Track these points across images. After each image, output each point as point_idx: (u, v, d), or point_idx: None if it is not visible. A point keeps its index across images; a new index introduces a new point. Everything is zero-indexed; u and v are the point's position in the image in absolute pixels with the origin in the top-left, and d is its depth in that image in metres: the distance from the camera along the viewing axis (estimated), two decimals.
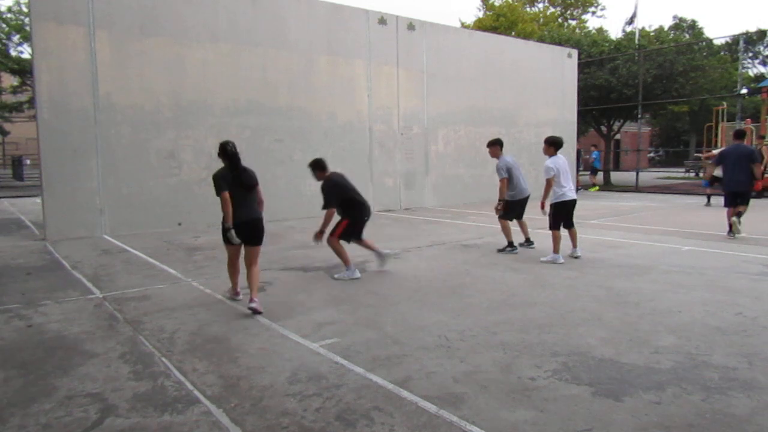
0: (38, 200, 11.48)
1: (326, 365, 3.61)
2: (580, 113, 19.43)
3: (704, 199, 14.22)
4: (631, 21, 34.20)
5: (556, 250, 6.86)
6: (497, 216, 7.76)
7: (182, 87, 10.46)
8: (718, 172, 13.45)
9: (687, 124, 40.89)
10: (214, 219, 10.48)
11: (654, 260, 6.83)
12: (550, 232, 7.03)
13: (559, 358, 3.65)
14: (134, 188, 9.98)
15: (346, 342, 4.04)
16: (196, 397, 3.17)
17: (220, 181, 4.76)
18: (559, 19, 36.89)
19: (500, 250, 7.60)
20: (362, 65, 12.96)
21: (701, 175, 25.16)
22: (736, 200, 8.66)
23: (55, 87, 9.17)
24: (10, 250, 8.19)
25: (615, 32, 51.77)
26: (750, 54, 41.33)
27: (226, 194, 4.74)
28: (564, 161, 7.08)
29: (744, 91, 19.30)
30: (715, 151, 14.40)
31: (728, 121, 20.67)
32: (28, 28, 17.71)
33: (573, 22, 37.56)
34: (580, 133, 22.60)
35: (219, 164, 4.95)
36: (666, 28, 34.15)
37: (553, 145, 7.08)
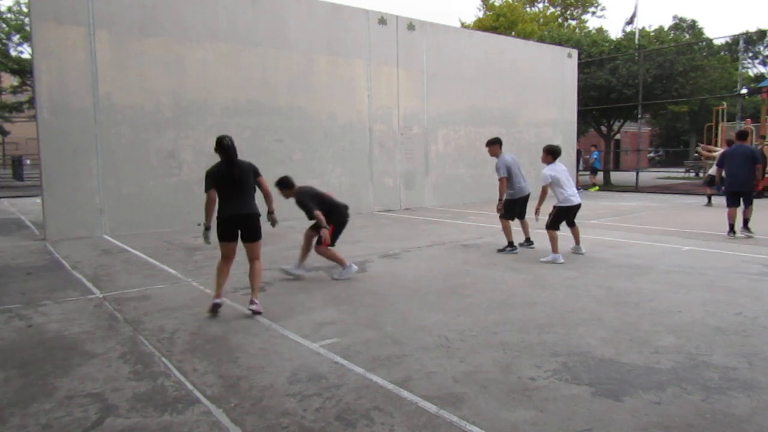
0: (38, 200, 11.48)
1: (326, 365, 3.61)
2: (580, 113, 19.43)
3: (704, 199, 14.21)
4: (631, 21, 34.19)
5: (555, 250, 6.87)
6: (499, 215, 7.75)
7: (182, 87, 10.46)
8: (712, 170, 13.50)
9: (687, 124, 40.89)
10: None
11: (654, 260, 6.83)
12: (547, 231, 7.02)
13: (559, 358, 3.65)
14: (134, 188, 9.98)
15: (346, 342, 4.04)
16: (196, 397, 3.17)
17: (207, 179, 4.72)
18: (559, 19, 36.89)
19: (500, 250, 7.60)
20: (362, 65, 12.96)
21: (701, 175, 25.18)
22: (739, 200, 8.68)
23: (55, 87, 9.17)
24: (10, 250, 8.19)
25: (615, 32, 51.77)
26: (750, 54, 41.33)
27: (211, 193, 4.67)
28: (563, 168, 7.16)
29: (744, 91, 19.30)
30: (714, 149, 14.40)
31: (728, 121, 20.67)
32: (28, 28, 17.71)
33: (573, 22, 37.58)
34: (580, 133, 22.60)
35: None
36: (666, 28, 34.14)
37: (550, 153, 7.16)
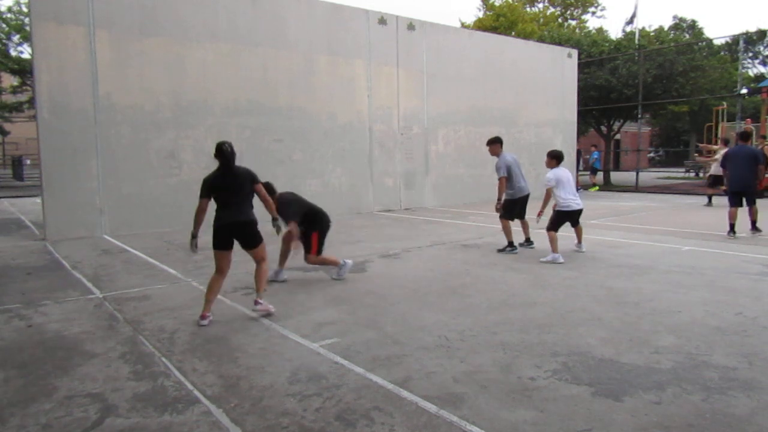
0: (38, 200, 11.49)
1: (326, 365, 3.61)
2: (580, 113, 19.43)
3: (704, 199, 14.21)
4: (631, 21, 34.20)
5: (554, 250, 6.92)
6: (499, 215, 7.75)
7: (182, 87, 10.46)
8: (715, 170, 13.50)
9: (687, 124, 40.89)
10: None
11: (654, 260, 6.83)
12: (547, 233, 7.10)
13: (559, 358, 3.65)
14: (134, 188, 9.98)
15: (346, 342, 4.04)
16: (196, 397, 3.17)
17: (203, 186, 4.63)
18: (559, 19, 36.89)
19: (500, 250, 7.59)
20: (362, 65, 12.97)
21: (701, 175, 25.18)
22: (741, 200, 8.69)
23: (55, 87, 9.17)
24: (10, 250, 8.20)
25: (615, 32, 51.78)
26: (750, 54, 41.33)
27: (202, 202, 4.59)
28: (566, 173, 7.32)
29: (744, 91, 19.30)
30: (714, 147, 14.40)
31: (728, 121, 20.69)
32: (28, 28, 17.70)
33: (573, 22, 37.57)
34: (580, 133, 22.60)
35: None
36: (666, 28, 34.15)
37: (555, 158, 7.37)
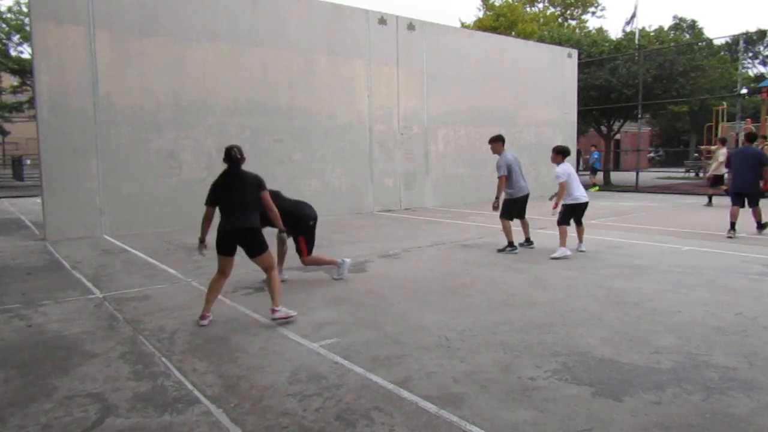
0: (38, 200, 11.49)
1: (326, 365, 3.61)
2: (580, 113, 19.43)
3: (704, 198, 14.21)
4: (630, 21, 34.19)
5: (563, 244, 7.12)
6: (499, 215, 7.75)
7: (182, 87, 10.46)
8: (721, 169, 13.49)
9: (687, 124, 40.90)
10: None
11: (654, 260, 6.83)
12: (558, 227, 7.32)
13: (559, 358, 3.65)
14: (134, 188, 9.98)
15: (346, 342, 4.04)
16: (196, 397, 3.17)
17: (210, 192, 4.60)
18: (559, 19, 36.89)
19: (500, 250, 7.59)
20: (362, 65, 12.97)
21: (701, 175, 25.18)
22: (743, 201, 8.70)
23: (55, 87, 9.17)
24: (10, 250, 8.20)
25: (615, 32, 51.76)
26: (750, 54, 41.34)
27: (207, 210, 4.58)
28: (572, 168, 7.53)
29: (744, 91, 19.30)
30: (712, 148, 14.40)
31: (728, 121, 20.70)
32: (28, 28, 17.71)
33: (573, 22, 37.57)
34: (580, 133, 22.60)
35: (219, 164, 4.91)
36: (666, 28, 34.16)
37: (560, 153, 7.49)
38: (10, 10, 25.77)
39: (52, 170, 9.18)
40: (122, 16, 9.75)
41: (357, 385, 3.30)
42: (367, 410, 2.97)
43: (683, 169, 30.98)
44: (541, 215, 9.71)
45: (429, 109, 14.27)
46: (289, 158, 11.77)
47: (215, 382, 3.38)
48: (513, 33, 28.69)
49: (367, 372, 3.48)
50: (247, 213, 4.55)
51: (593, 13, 38.98)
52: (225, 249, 4.60)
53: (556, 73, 17.40)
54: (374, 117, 13.25)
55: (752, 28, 43.90)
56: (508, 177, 7.56)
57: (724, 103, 22.66)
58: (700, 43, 25.66)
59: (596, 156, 21.10)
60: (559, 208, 7.38)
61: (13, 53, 25.60)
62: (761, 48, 42.82)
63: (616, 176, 25.52)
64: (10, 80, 27.70)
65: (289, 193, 12.38)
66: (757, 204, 8.77)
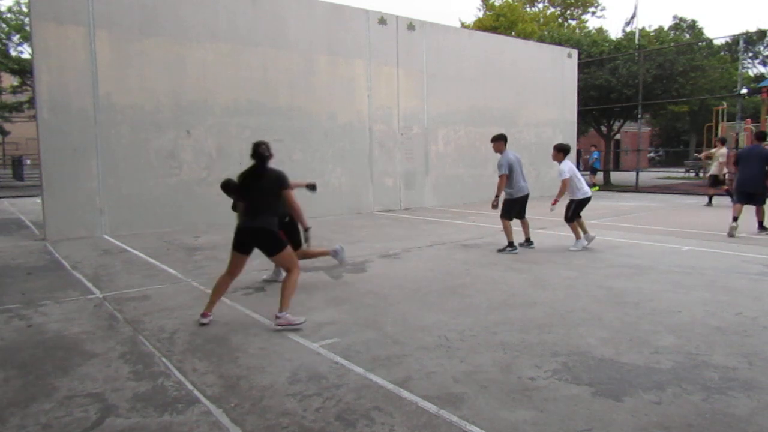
0: (38, 200, 11.49)
1: (326, 365, 3.61)
2: (580, 113, 19.42)
3: (704, 199, 14.20)
4: (630, 21, 34.20)
5: (578, 237, 7.57)
6: (499, 215, 7.76)
7: (182, 87, 10.46)
8: (715, 170, 13.49)
9: (687, 124, 40.90)
10: (214, 219, 10.55)
11: (654, 260, 6.83)
12: (569, 224, 7.68)
13: (559, 358, 3.65)
14: (134, 188, 9.98)
15: (346, 342, 4.04)
16: (196, 397, 3.17)
17: (237, 190, 4.74)
18: (559, 19, 36.90)
19: (500, 250, 7.59)
20: (362, 65, 12.97)
21: (701, 175, 25.17)
22: (747, 199, 8.68)
23: (55, 87, 9.17)
24: (10, 250, 8.19)
25: (615, 32, 51.79)
26: (750, 54, 41.34)
27: (238, 205, 4.75)
28: (574, 166, 7.71)
29: (744, 91, 19.29)
30: (711, 151, 14.39)
31: (728, 121, 20.67)
32: (28, 28, 17.71)
33: (573, 22, 37.58)
34: (580, 133, 22.59)
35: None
36: (666, 28, 34.18)
37: (561, 151, 7.62)
38: (10, 10, 25.81)
39: (52, 170, 9.18)
40: (122, 16, 9.75)
41: (357, 385, 3.30)
42: (367, 410, 2.97)
43: (683, 169, 30.98)
44: (541, 215, 9.72)
45: (429, 109, 14.27)
46: (289, 158, 11.76)
47: (215, 382, 3.38)
48: (513, 33, 28.69)
49: (367, 372, 3.48)
50: (263, 211, 4.47)
51: (593, 13, 39.02)
52: (238, 246, 4.56)
53: (556, 73, 17.40)
54: (374, 117, 13.25)
55: (752, 28, 43.93)
56: (508, 177, 7.56)
57: (724, 103, 22.63)
58: (700, 43, 25.67)
59: (596, 156, 21.09)
60: (557, 206, 7.51)
61: (13, 53, 25.62)
62: (761, 48, 42.81)
63: (616, 176, 25.52)
64: (10, 80, 27.71)
65: None
66: (763, 203, 8.75)
